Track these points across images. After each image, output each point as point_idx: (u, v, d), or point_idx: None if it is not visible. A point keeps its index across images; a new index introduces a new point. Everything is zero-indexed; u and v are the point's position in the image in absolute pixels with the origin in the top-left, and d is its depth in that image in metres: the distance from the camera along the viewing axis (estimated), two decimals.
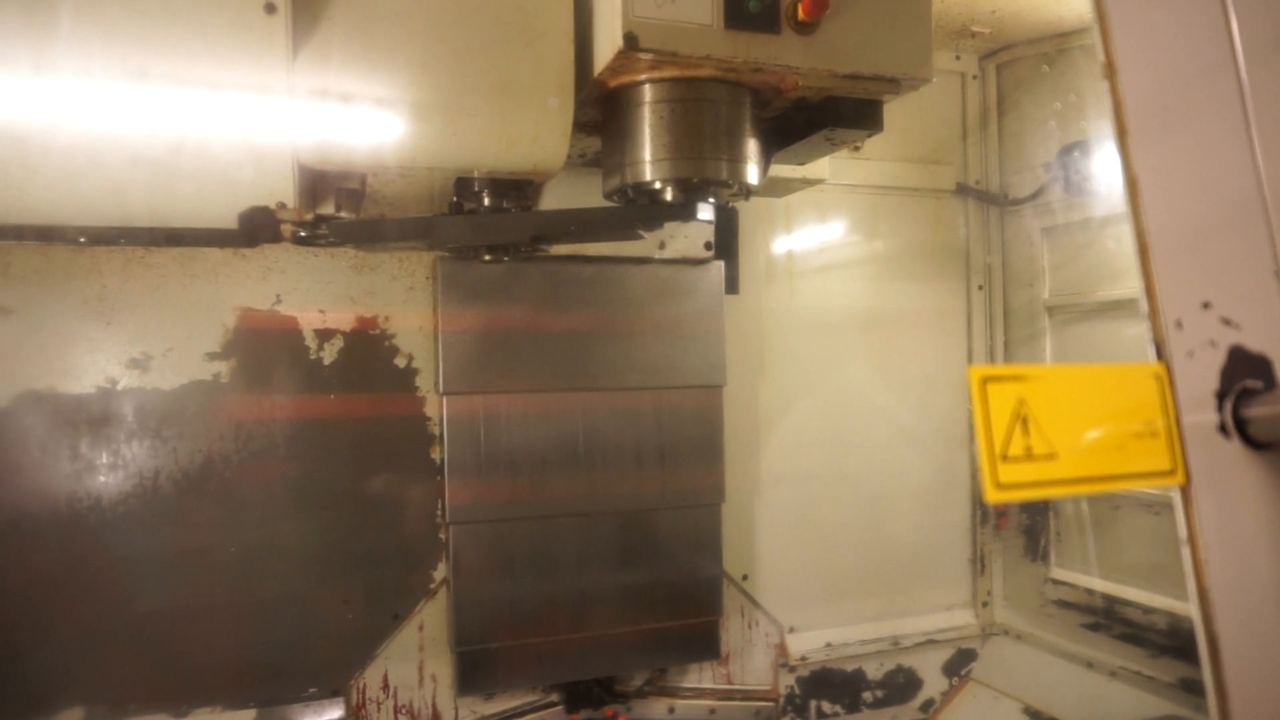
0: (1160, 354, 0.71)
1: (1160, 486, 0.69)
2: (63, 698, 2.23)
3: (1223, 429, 0.71)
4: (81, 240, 1.98)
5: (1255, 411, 0.71)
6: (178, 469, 2.29)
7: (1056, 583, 3.09)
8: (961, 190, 3.21)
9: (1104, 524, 2.94)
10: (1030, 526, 3.20)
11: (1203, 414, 0.71)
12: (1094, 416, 0.67)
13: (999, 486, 0.61)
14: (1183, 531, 0.70)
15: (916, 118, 3.12)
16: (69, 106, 1.43)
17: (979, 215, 3.25)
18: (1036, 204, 3.10)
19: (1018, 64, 3.15)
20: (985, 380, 0.62)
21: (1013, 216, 3.21)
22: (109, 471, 2.25)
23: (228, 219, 1.59)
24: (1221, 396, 0.72)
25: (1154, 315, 0.71)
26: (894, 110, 1.82)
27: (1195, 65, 0.72)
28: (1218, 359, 0.72)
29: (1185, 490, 0.70)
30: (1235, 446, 0.71)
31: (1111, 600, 2.88)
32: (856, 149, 2.01)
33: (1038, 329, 3.15)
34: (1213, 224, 0.72)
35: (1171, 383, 0.70)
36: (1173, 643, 2.66)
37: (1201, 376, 0.71)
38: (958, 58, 3.19)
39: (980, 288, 3.25)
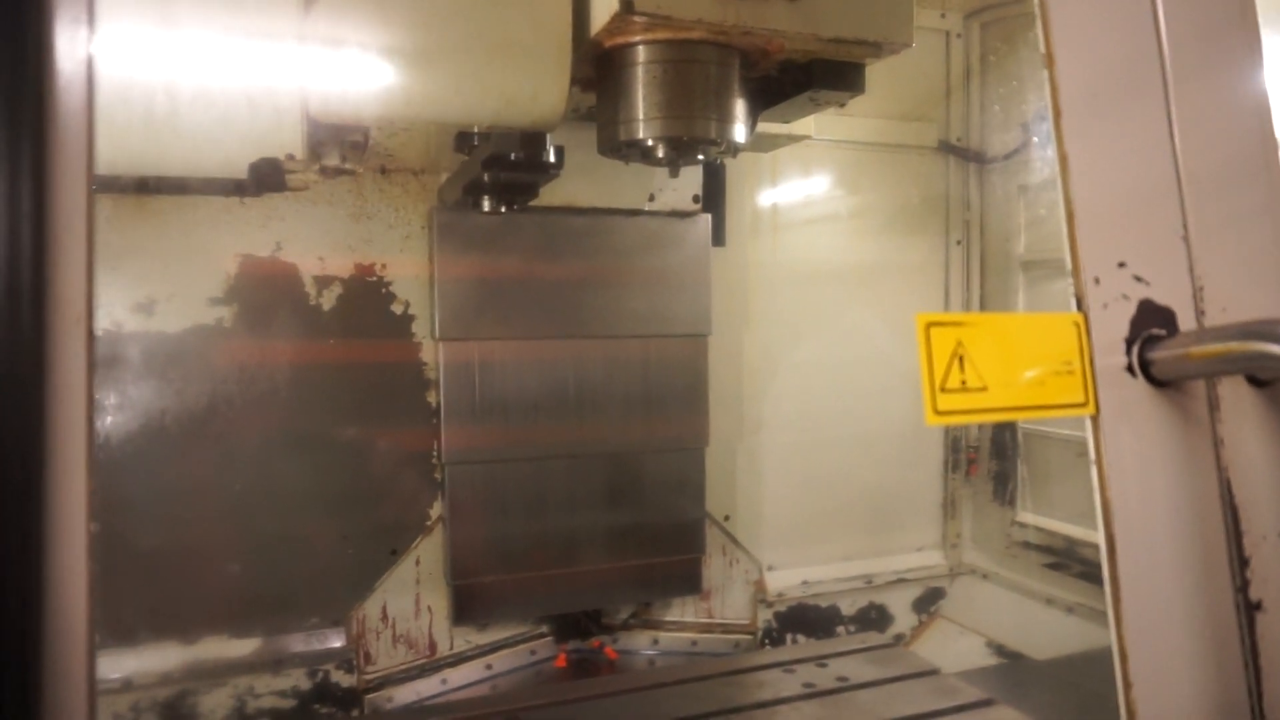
0: (1080, 305, 0.82)
1: (1074, 415, 0.81)
2: None
3: (1130, 369, 0.83)
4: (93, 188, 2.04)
5: (1158, 354, 0.82)
6: (183, 410, 2.36)
7: (1021, 525, 3.25)
8: (943, 147, 3.29)
9: (1067, 471, 3.09)
10: (999, 473, 3.35)
11: (1113, 356, 0.83)
12: (1021, 357, 0.78)
13: (938, 412, 0.72)
14: (1092, 453, 0.82)
15: (901, 75, 3.17)
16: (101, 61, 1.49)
17: (959, 172, 3.33)
18: (1014, 162, 3.19)
19: (1001, 23, 3.21)
20: (929, 325, 0.73)
21: (992, 174, 3.30)
22: (117, 412, 2.32)
23: (239, 169, 1.67)
24: (1130, 342, 0.83)
25: (1076, 273, 0.82)
26: (878, 68, 1.90)
27: (1123, 56, 0.82)
28: (1129, 310, 0.83)
29: (1095, 419, 0.82)
30: (1139, 384, 0.83)
31: (1072, 542, 3.05)
32: (841, 106, 2.09)
33: (1012, 284, 3.26)
34: (1131, 195, 0.83)
35: (1088, 330, 0.81)
36: None
37: (1114, 325, 0.83)
38: (943, 16, 3.24)
39: (959, 243, 3.34)
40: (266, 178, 1.72)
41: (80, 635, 0.51)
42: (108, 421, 2.31)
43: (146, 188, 2.18)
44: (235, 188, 2.14)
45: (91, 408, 0.55)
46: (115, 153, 1.62)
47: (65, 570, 0.55)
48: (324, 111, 1.64)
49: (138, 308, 2.31)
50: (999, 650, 3.07)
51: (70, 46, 0.58)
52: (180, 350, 2.35)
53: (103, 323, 2.28)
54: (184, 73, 1.57)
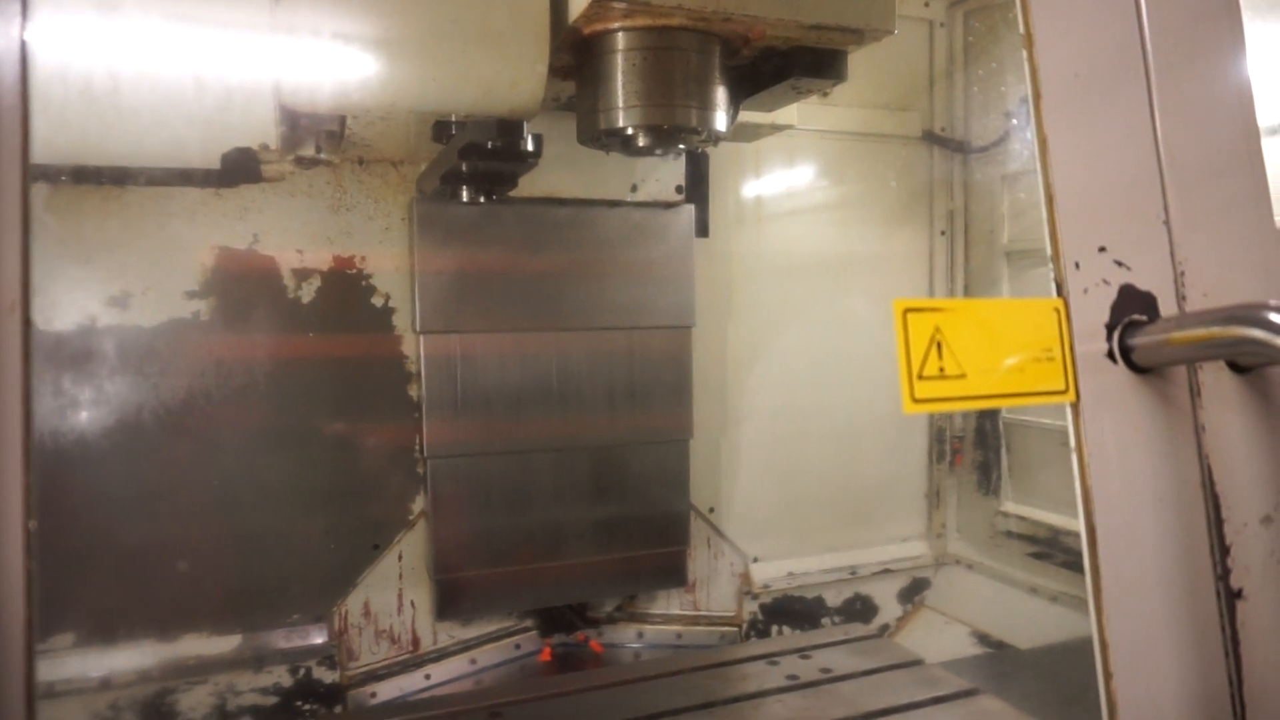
0: (1060, 291, 0.82)
1: (1054, 402, 0.80)
2: (52, 625, 2.30)
3: (1110, 355, 0.82)
4: (63, 179, 2.01)
5: (1139, 341, 0.81)
6: (160, 405, 2.32)
7: (1006, 515, 3.26)
8: (927, 137, 3.28)
9: (1052, 461, 3.10)
10: (983, 463, 3.36)
11: (1094, 342, 0.82)
12: (1001, 343, 0.77)
13: (915, 400, 0.71)
14: (1072, 441, 0.81)
15: (884, 65, 3.17)
16: (66, 48, 1.46)
17: (943, 162, 3.33)
18: (998, 151, 3.18)
19: (984, 11, 3.20)
20: (907, 311, 0.71)
21: (976, 163, 3.30)
22: (92, 407, 2.28)
23: (211, 160, 1.64)
24: (1111, 328, 0.82)
25: (1056, 257, 0.81)
26: (862, 57, 1.88)
27: (1105, 38, 0.81)
28: (1109, 295, 0.82)
29: (1075, 406, 0.81)
30: (1120, 370, 0.82)
31: (1056, 531, 3.06)
32: (825, 95, 2.08)
33: (997, 274, 3.27)
34: (1112, 179, 0.82)
35: (1068, 315, 0.80)
36: None
37: (1095, 310, 0.82)
38: (926, 4, 3.23)
39: (943, 233, 3.34)
40: (240, 168, 1.69)
41: (18, 637, 0.49)
42: (83, 417, 2.28)
43: (119, 179, 2.14)
44: (210, 179, 2.11)
45: (29, 399, 0.52)
46: (87, 144, 1.59)
47: (1, 569, 0.53)
48: (297, 100, 1.61)
49: (112, 302, 2.27)
50: (983, 640, 3.08)
51: (3, 26, 0.56)
52: (156, 344, 2.32)
53: (75, 317, 2.25)
54: (154, 62, 1.54)
